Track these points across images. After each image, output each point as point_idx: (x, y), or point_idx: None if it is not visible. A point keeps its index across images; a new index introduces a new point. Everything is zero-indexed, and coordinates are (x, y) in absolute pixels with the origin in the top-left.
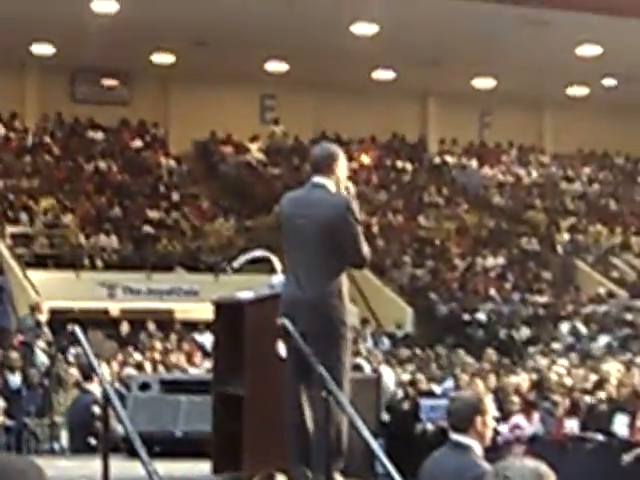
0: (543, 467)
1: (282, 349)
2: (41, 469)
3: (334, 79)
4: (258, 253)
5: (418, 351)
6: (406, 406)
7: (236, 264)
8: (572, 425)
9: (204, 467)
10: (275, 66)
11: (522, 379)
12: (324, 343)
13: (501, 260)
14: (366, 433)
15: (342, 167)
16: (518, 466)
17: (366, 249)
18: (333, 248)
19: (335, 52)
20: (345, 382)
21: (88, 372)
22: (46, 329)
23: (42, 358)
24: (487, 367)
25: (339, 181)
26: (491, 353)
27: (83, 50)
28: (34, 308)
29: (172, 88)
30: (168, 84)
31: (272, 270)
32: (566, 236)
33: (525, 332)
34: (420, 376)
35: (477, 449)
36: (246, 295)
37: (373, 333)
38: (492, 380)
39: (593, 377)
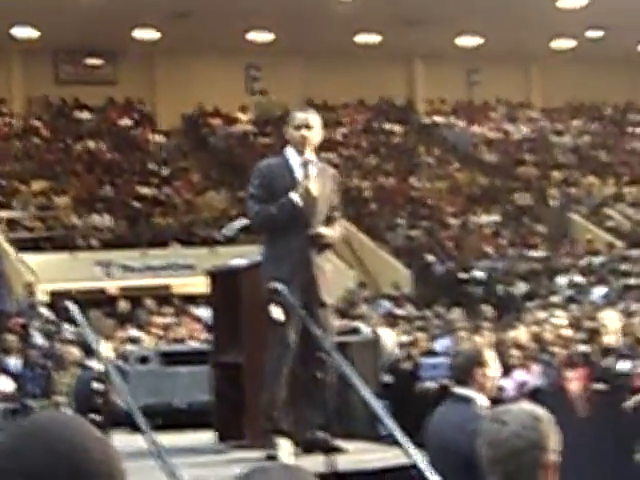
0: (540, 410)
1: (277, 312)
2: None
3: (319, 45)
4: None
5: (416, 312)
6: (407, 366)
7: (227, 231)
8: (571, 376)
9: (208, 437)
10: (259, 35)
11: (520, 332)
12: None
13: (495, 217)
14: (366, 394)
15: (289, 130)
16: (515, 410)
17: (250, 213)
18: None
19: (318, 18)
20: (273, 344)
21: (88, 349)
22: (42, 309)
23: (39, 339)
24: (484, 324)
25: (294, 143)
26: (487, 309)
27: (65, 31)
28: (28, 288)
29: (157, 64)
30: (153, 60)
31: None
32: (558, 189)
33: (523, 287)
34: (420, 335)
35: (480, 401)
36: (240, 262)
37: (371, 296)
38: (490, 335)
39: (590, 327)
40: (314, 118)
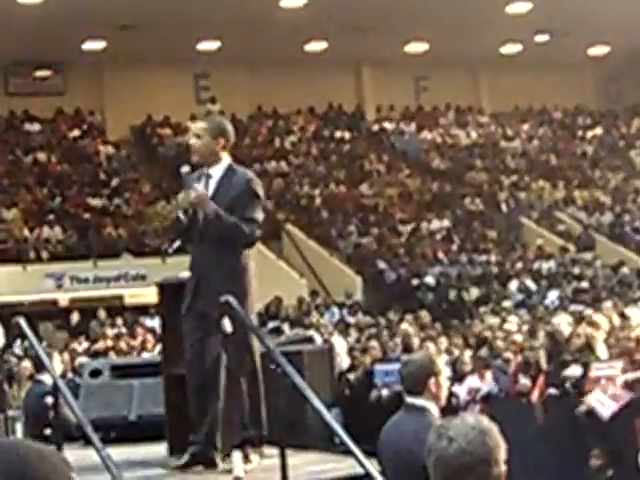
0: (484, 421)
1: (227, 325)
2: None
3: (267, 54)
4: None
5: (369, 319)
6: (360, 374)
7: (175, 245)
8: (525, 382)
9: (160, 449)
10: (207, 45)
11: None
12: None
13: (446, 222)
14: (318, 403)
15: None
16: (459, 424)
17: None
18: None
19: (266, 27)
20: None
21: (39, 363)
22: None
23: None
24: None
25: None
26: (424, 315)
27: (13, 43)
28: None
29: (106, 75)
30: (101, 71)
31: None
32: (509, 194)
33: (475, 292)
34: (373, 343)
35: (433, 410)
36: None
37: (323, 304)
38: (443, 342)
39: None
40: (200, 126)
